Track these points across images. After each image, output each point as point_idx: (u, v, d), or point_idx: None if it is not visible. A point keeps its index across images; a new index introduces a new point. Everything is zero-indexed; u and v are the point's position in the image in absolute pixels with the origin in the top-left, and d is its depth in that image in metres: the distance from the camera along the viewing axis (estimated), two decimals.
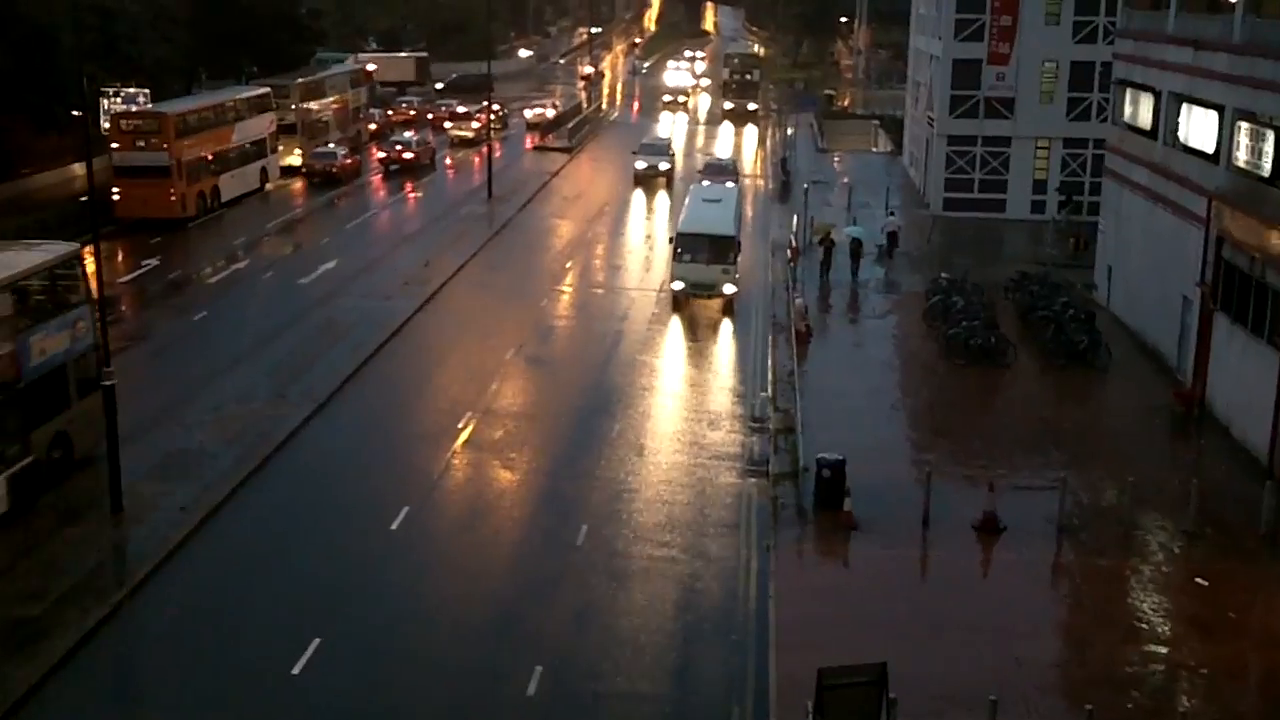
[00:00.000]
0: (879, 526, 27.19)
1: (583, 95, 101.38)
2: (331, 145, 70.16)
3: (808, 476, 28.88)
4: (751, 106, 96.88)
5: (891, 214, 54.99)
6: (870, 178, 69.10)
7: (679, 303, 43.92)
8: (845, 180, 67.94)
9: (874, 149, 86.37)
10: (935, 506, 27.54)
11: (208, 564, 25.71)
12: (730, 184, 56.76)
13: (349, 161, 68.40)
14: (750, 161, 74.87)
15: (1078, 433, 33.28)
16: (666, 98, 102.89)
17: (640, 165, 66.61)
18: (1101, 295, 44.96)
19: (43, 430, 27.41)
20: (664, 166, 66.82)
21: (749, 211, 61.56)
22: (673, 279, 43.71)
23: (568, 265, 50.89)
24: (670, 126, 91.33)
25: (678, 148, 75.79)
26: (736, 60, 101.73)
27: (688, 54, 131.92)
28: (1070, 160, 58.86)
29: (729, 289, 43.17)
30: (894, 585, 25.10)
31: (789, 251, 50.16)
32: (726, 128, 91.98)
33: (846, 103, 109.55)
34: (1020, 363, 38.35)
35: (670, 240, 45.00)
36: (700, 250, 43.25)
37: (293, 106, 67.76)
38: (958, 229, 56.67)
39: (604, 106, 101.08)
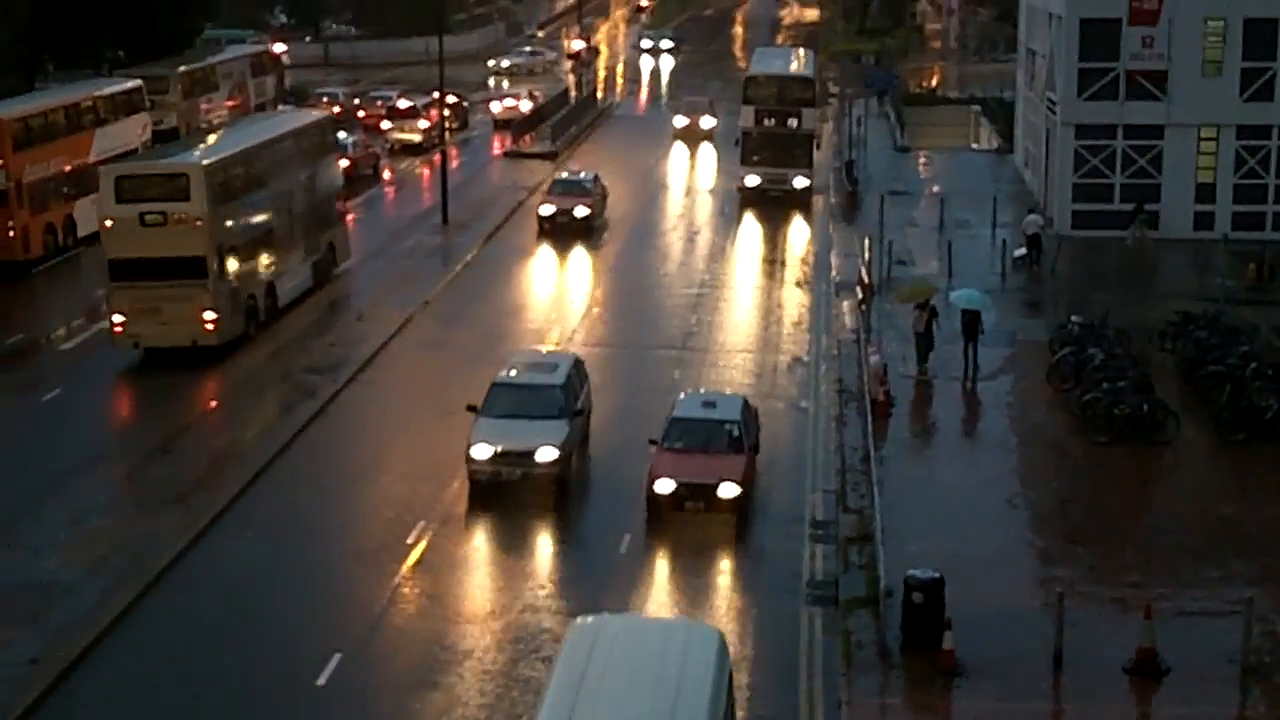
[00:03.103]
0: (992, 671, 27.14)
1: (570, 80, 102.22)
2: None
3: (892, 603, 28.91)
4: (800, 182, 67.63)
5: (1032, 211, 57.82)
6: (969, 185, 69.49)
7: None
8: (935, 189, 68.36)
9: (974, 145, 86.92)
10: (1071, 642, 27.50)
11: None
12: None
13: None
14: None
15: (1269, 536, 33.19)
16: (545, 211, 62.93)
17: (482, 452, 35.78)
18: None
19: (323, 237, 54.22)
20: (545, 455, 35.63)
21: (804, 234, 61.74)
22: None
23: (553, 317, 51.15)
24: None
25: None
26: (767, 84, 70.87)
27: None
28: (1246, 155, 59.09)
29: None
30: None
31: (859, 290, 50.36)
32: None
33: (934, 82, 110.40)
34: (1185, 438, 38.35)
35: None
36: None
37: (174, 104, 68.42)
38: (1092, 253, 56.83)
39: (600, 95, 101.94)
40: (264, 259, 49.19)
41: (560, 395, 37.02)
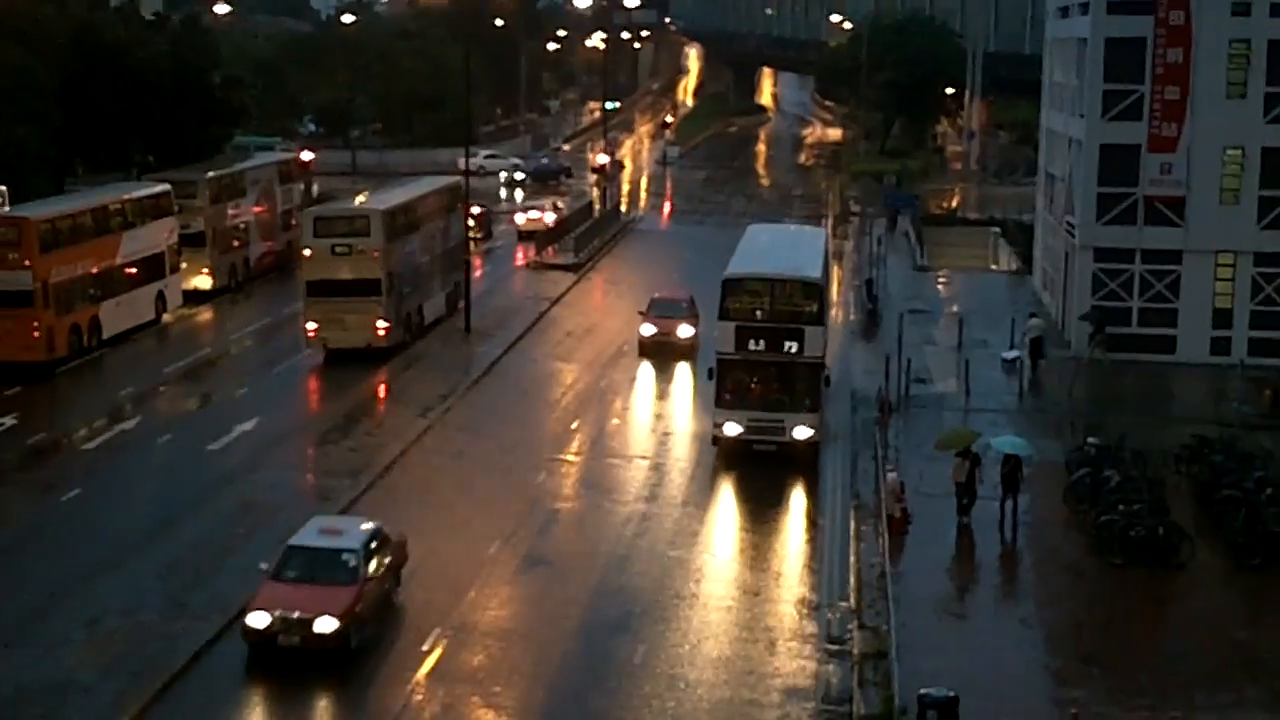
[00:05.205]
0: None
1: (594, 193, 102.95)
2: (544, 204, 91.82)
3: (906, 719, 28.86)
4: (801, 432, 46.85)
5: (1033, 316, 59.97)
6: (988, 305, 69.75)
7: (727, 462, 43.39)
8: (954, 309, 68.58)
9: (993, 266, 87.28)
10: None
11: None
12: None
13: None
14: None
15: None
16: (257, 621, 32.52)
17: None
18: None
19: (453, 275, 66.40)
20: None
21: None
22: None
23: (573, 426, 51.36)
24: None
25: None
26: (755, 291, 48.16)
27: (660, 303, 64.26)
28: (1263, 282, 59.30)
29: None
30: None
31: (877, 407, 50.49)
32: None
33: (955, 203, 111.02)
34: (1200, 561, 38.31)
35: None
36: None
37: (201, 209, 68.93)
38: (1110, 377, 56.98)
39: (624, 207, 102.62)
40: (418, 285, 62.08)
41: None
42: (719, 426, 47.13)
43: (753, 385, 47.10)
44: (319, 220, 59.83)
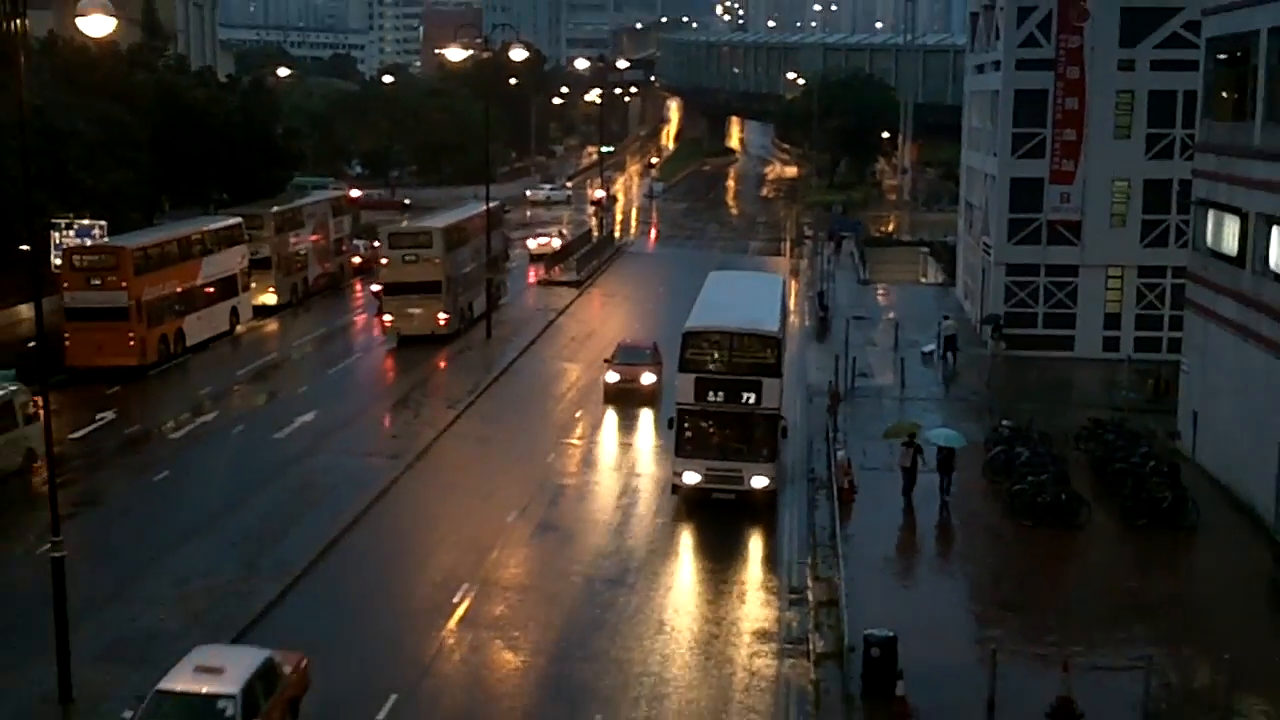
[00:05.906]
0: (938, 714, 27.06)
1: (593, 222, 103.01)
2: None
3: (854, 656, 28.86)
4: (758, 481, 40.27)
5: (946, 318, 60.03)
6: (919, 312, 69.83)
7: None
8: (890, 316, 68.69)
9: (923, 279, 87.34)
10: (1002, 691, 27.47)
11: None
12: None
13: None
14: None
15: (1163, 604, 33.30)
16: None
17: None
18: (1186, 445, 45.13)
19: (495, 278, 67.86)
20: None
21: None
22: None
23: (577, 416, 51.30)
24: None
25: None
26: (714, 343, 41.23)
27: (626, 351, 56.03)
28: (1146, 290, 59.51)
29: None
30: None
31: (828, 397, 50.55)
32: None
33: (891, 227, 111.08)
34: (1095, 523, 38.42)
35: None
36: None
37: (267, 238, 68.85)
38: (1020, 370, 57.10)
39: (617, 234, 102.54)
40: (468, 286, 64.75)
41: None
42: (679, 475, 40.50)
43: (712, 435, 40.49)
44: (392, 235, 63.09)
